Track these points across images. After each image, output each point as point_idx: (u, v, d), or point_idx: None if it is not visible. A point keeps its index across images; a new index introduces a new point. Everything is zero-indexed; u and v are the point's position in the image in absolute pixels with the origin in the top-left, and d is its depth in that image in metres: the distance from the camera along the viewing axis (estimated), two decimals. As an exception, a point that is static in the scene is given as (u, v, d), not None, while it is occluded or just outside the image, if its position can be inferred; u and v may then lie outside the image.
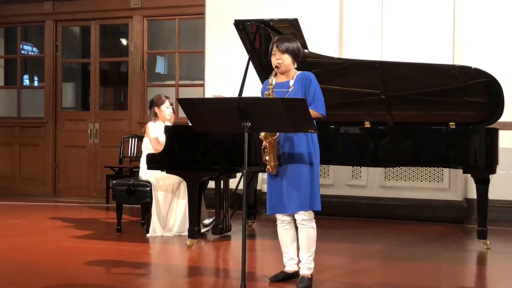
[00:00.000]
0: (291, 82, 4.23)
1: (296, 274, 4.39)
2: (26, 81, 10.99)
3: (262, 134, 4.10)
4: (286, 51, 4.20)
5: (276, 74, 4.20)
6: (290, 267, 4.44)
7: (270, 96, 4.12)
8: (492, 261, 5.48)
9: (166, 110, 6.36)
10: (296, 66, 4.29)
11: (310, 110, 3.98)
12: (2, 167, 9.89)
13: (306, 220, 4.21)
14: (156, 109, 6.35)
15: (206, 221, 6.35)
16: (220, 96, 5.73)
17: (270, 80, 4.15)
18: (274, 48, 4.23)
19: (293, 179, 4.15)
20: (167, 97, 6.42)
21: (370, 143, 5.71)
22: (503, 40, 7.25)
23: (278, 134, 4.13)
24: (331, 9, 7.71)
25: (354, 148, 5.77)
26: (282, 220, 4.36)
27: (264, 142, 4.13)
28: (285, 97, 4.14)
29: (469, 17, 7.35)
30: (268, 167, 4.18)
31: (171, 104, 6.45)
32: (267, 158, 4.15)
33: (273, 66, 4.22)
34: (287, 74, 4.27)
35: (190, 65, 10.04)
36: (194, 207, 5.62)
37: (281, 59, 4.19)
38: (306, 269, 4.27)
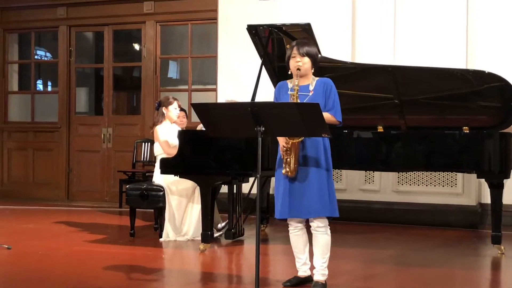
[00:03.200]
0: (311, 87, 4.21)
1: (309, 278, 4.39)
2: (40, 86, 11.07)
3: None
4: (307, 54, 4.16)
5: (298, 77, 4.17)
6: (303, 272, 4.43)
7: (295, 98, 4.10)
8: (506, 266, 5.44)
9: (174, 111, 6.37)
10: (313, 71, 4.26)
11: (329, 115, 4.09)
12: (16, 172, 9.96)
13: (321, 227, 4.20)
14: (164, 109, 6.36)
15: (220, 226, 6.36)
16: (233, 101, 5.74)
17: (294, 82, 4.12)
18: (294, 51, 4.18)
19: (311, 184, 4.12)
20: (175, 99, 6.43)
21: (383, 147, 5.69)
22: (517, 44, 7.22)
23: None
24: (343, 14, 7.71)
25: (367, 152, 5.75)
26: (295, 226, 4.35)
27: (286, 143, 4.09)
28: (305, 100, 4.14)
29: (482, 21, 7.33)
30: (287, 169, 4.13)
31: (180, 106, 6.47)
32: (288, 160, 4.12)
33: (293, 69, 4.17)
34: (306, 78, 4.22)
35: (202, 69, 10.08)
36: (207, 212, 5.63)
37: (302, 62, 4.16)
38: (320, 275, 4.27)
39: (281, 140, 4.15)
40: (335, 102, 4.18)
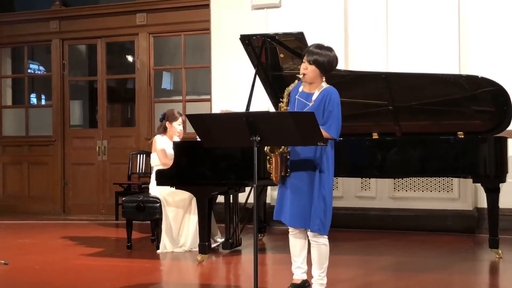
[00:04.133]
0: (314, 96, 4.16)
1: (304, 283, 4.36)
2: (34, 100, 11.05)
3: (267, 148, 4.08)
4: (314, 62, 4.11)
5: (299, 81, 4.18)
6: (297, 276, 4.38)
7: (283, 105, 4.14)
8: (504, 270, 5.44)
9: (177, 127, 6.37)
10: (325, 79, 4.20)
11: (322, 130, 3.93)
12: (12, 186, 9.93)
13: (317, 237, 4.17)
14: (167, 123, 6.36)
15: (219, 239, 6.34)
16: (228, 111, 5.74)
17: (288, 88, 4.14)
18: (304, 57, 4.15)
19: (302, 194, 4.12)
20: (180, 114, 6.43)
21: (378, 154, 5.70)
22: (509, 48, 7.25)
23: (284, 148, 4.10)
24: (336, 22, 7.74)
25: (363, 159, 5.75)
26: (292, 229, 4.32)
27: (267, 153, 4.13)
28: (303, 110, 4.12)
29: (474, 26, 7.37)
30: (272, 176, 4.16)
31: (184, 122, 6.46)
32: (270, 168, 4.14)
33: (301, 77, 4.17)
34: (314, 85, 4.18)
35: (195, 80, 10.08)
36: (204, 222, 5.62)
37: (307, 70, 4.13)
38: (318, 285, 4.24)
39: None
40: (331, 116, 4.08)
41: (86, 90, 10.97)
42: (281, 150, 4.09)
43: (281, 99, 4.20)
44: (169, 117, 6.38)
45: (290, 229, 4.35)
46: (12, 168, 9.95)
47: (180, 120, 6.38)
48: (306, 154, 4.13)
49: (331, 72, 4.24)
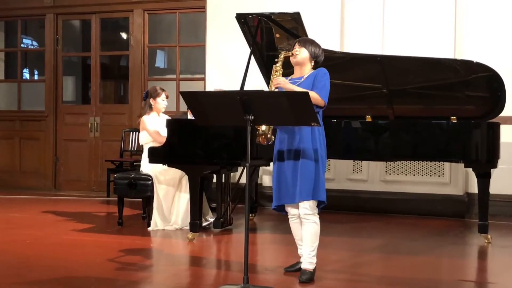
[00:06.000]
0: (306, 75, 4.27)
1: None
2: (26, 75, 10.99)
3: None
4: (304, 46, 4.26)
5: (282, 55, 4.25)
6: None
7: (278, 69, 4.24)
8: (492, 255, 5.49)
9: (162, 103, 6.37)
10: (312, 66, 4.30)
11: (314, 93, 4.09)
12: (3, 161, 9.89)
13: (309, 215, 4.20)
14: (151, 100, 6.35)
15: (210, 219, 6.35)
16: (222, 90, 5.74)
17: (280, 57, 4.24)
18: (295, 44, 4.31)
19: (298, 171, 4.14)
20: (163, 90, 6.42)
21: (371, 137, 5.71)
22: (505, 34, 7.25)
23: None
24: (332, 3, 7.71)
25: (355, 142, 5.76)
26: (292, 214, 4.35)
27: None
28: (296, 86, 4.18)
29: (470, 11, 7.36)
30: (261, 137, 4.13)
31: (167, 97, 6.45)
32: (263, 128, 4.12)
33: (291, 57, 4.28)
34: (302, 70, 4.29)
35: (189, 59, 10.04)
36: (195, 201, 5.62)
37: (299, 51, 4.25)
38: (308, 264, 4.27)
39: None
40: (322, 83, 4.18)
41: (79, 66, 10.93)
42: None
43: (276, 60, 4.23)
44: (152, 93, 6.38)
45: (289, 216, 4.38)
46: (4, 143, 9.90)
47: (163, 95, 6.37)
48: (303, 142, 4.16)
49: (319, 63, 4.34)
